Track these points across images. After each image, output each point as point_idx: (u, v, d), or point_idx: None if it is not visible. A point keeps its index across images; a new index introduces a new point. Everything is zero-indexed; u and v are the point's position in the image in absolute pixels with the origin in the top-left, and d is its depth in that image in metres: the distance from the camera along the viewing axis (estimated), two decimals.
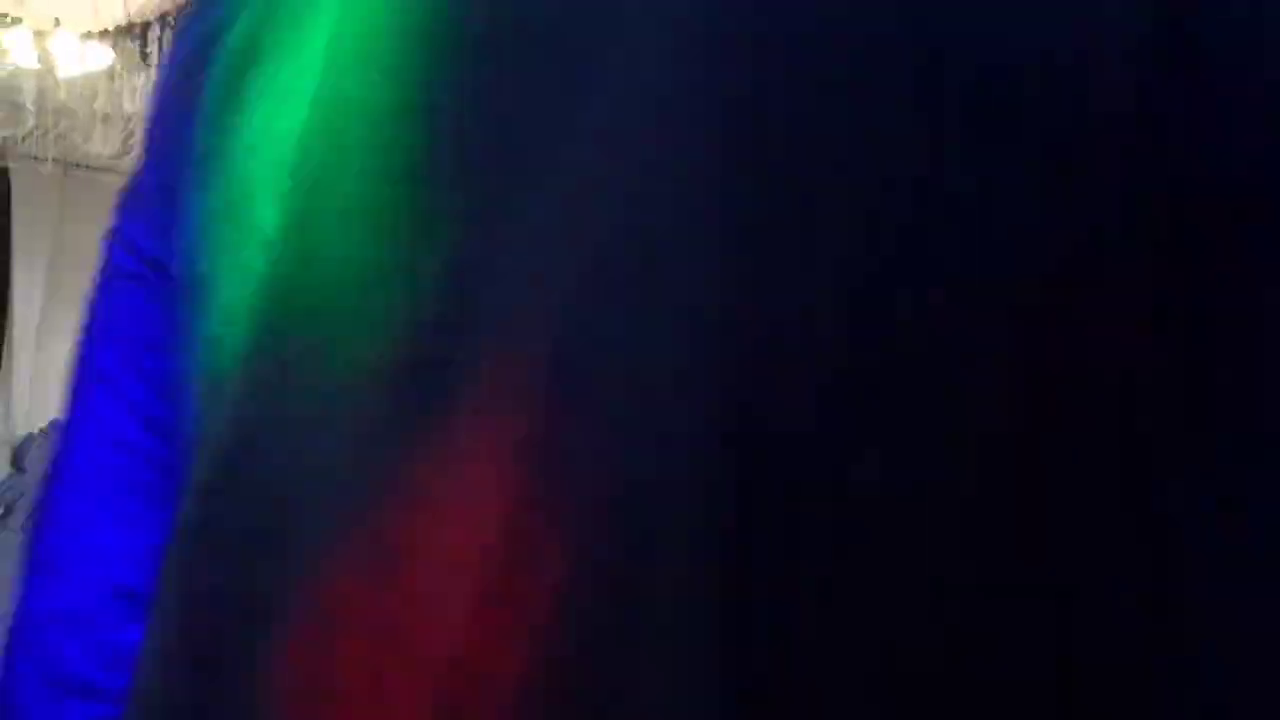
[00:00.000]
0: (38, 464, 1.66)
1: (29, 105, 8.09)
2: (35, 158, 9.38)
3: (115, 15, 7.16)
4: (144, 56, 8.12)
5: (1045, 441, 0.31)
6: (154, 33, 7.95)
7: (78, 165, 10.39)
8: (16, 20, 7.05)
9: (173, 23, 7.95)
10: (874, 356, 0.31)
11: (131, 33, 7.92)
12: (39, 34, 7.10)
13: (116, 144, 9.74)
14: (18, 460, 1.71)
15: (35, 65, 7.49)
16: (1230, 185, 0.29)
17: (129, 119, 9.45)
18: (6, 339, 10.59)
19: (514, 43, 0.38)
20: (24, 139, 9.13)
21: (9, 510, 1.48)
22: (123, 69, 7.92)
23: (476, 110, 0.38)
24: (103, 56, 7.62)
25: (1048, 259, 0.30)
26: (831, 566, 0.31)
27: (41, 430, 1.82)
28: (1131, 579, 0.30)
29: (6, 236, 10.61)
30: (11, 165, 10.08)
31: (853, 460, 0.31)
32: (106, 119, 9.28)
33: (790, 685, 0.30)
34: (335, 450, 0.37)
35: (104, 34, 7.43)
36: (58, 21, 6.97)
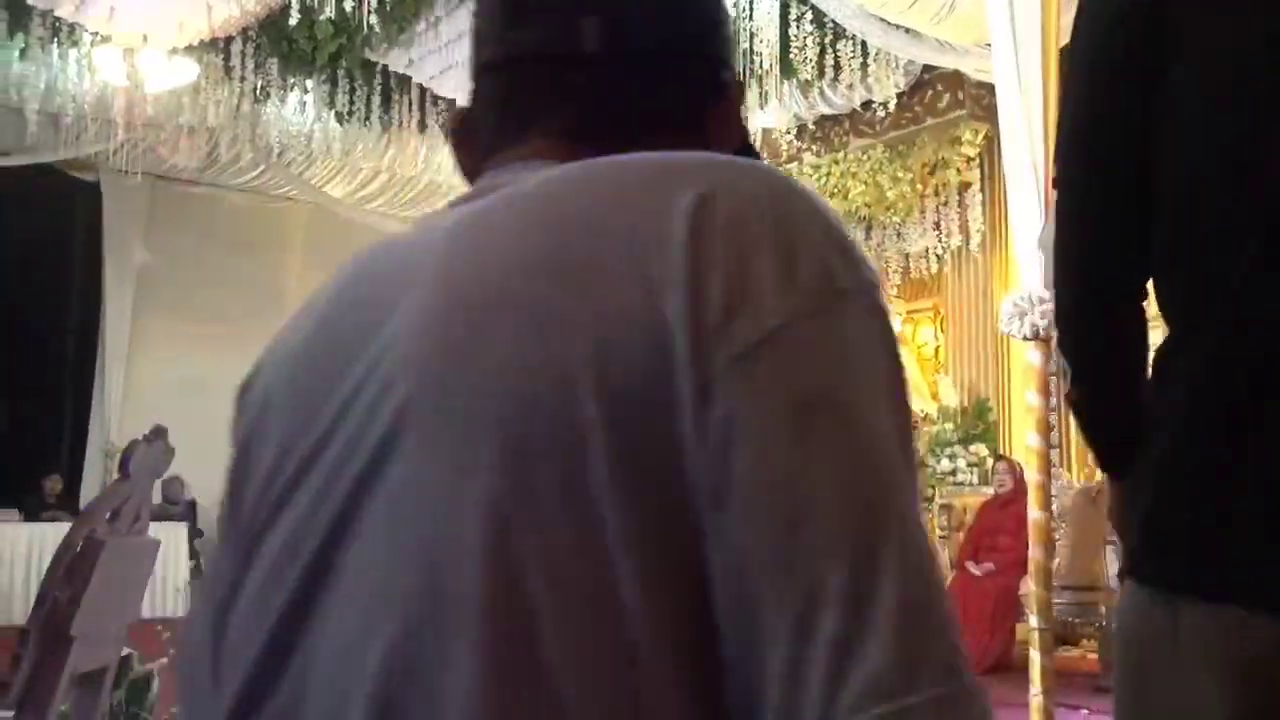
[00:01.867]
0: (143, 469, 1.71)
1: (119, 120, 8.34)
2: (124, 171, 9.68)
3: (200, 30, 7.34)
4: (227, 70, 8.34)
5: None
6: (236, 46, 8.16)
7: (164, 177, 10.73)
8: (106, 38, 7.27)
9: (254, 36, 8.16)
10: None
11: (215, 47, 8.14)
12: (127, 51, 7.32)
13: (201, 156, 10.02)
14: (123, 466, 1.78)
15: (124, 82, 7.73)
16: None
17: (213, 131, 9.72)
18: (100, 349, 10.93)
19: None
20: (114, 153, 9.43)
21: (116, 515, 1.54)
22: (207, 82, 8.15)
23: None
24: (188, 71, 7.85)
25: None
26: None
27: (145, 436, 1.89)
28: None
29: (98, 248, 10.96)
30: (103, 179, 10.42)
31: None
32: (192, 132, 9.54)
33: None
34: None
35: (189, 49, 7.63)
36: (145, 38, 7.17)
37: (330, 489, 0.61)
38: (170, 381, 10.70)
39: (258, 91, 8.32)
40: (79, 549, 1.68)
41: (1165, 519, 1.11)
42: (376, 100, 8.62)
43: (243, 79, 8.04)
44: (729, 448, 0.52)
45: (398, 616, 0.55)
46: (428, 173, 10.27)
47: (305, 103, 8.68)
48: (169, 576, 8.62)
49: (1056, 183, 1.26)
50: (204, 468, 10.62)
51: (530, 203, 0.62)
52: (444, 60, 8.09)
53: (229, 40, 7.86)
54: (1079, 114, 1.24)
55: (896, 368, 0.56)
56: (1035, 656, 2.95)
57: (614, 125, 0.69)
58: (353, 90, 8.48)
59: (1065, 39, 5.96)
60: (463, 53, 7.97)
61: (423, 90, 8.65)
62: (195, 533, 10.02)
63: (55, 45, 7.53)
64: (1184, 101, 1.12)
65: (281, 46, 7.99)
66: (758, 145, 5.36)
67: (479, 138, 0.74)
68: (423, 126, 9.01)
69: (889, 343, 0.56)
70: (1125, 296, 1.21)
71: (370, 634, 0.56)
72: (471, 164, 0.75)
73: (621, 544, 0.52)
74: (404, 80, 8.56)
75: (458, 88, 8.43)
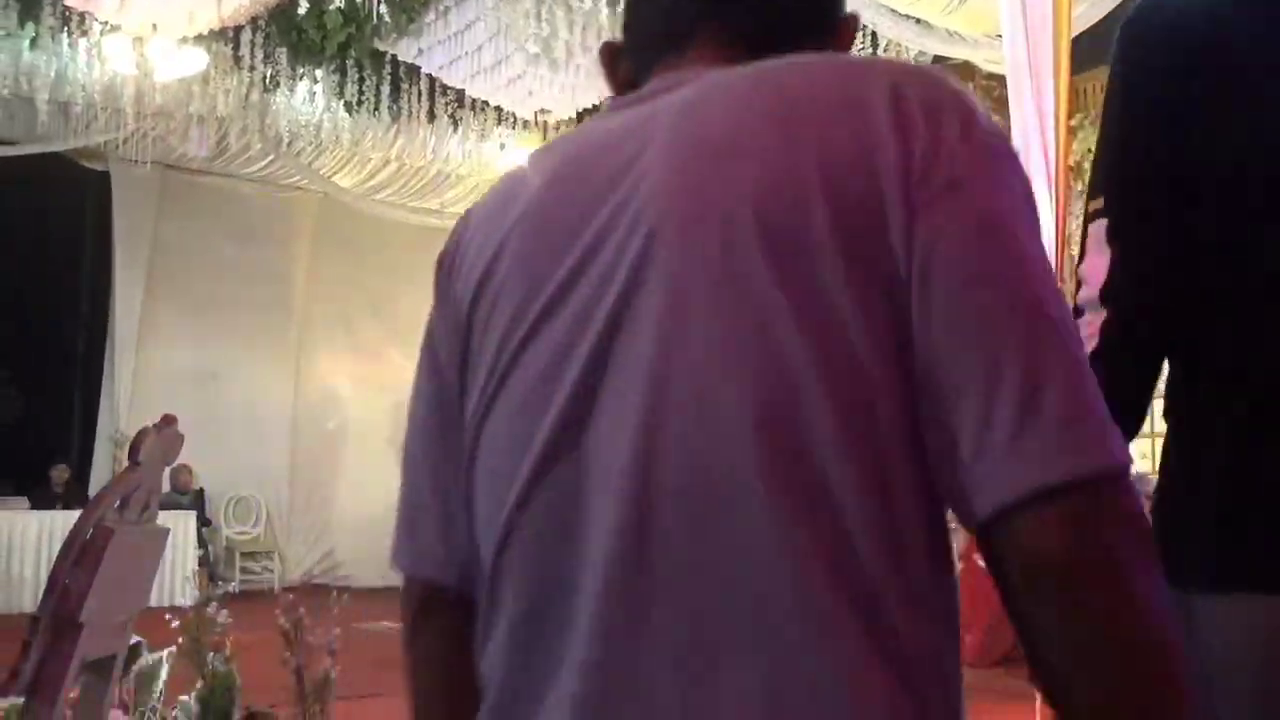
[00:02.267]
0: (153, 457, 1.71)
1: (128, 110, 8.35)
2: (134, 161, 9.69)
3: (209, 19, 7.34)
4: (236, 59, 8.34)
5: None
6: (246, 35, 8.15)
7: (173, 167, 10.74)
8: (115, 28, 7.27)
9: (263, 25, 8.15)
10: None
11: (225, 36, 8.13)
12: (137, 40, 7.32)
13: (211, 145, 10.02)
14: (133, 454, 1.78)
15: (134, 71, 7.73)
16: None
17: (222, 121, 9.72)
18: (109, 339, 10.95)
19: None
20: (123, 142, 9.44)
21: (125, 503, 1.54)
22: (216, 72, 8.14)
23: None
24: (197, 60, 7.84)
25: None
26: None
27: (154, 424, 1.89)
28: None
29: (108, 238, 10.98)
30: (112, 169, 10.44)
31: None
32: (201, 121, 9.54)
33: None
34: None
35: (198, 38, 7.62)
36: (155, 27, 7.17)
37: (591, 311, 0.74)
38: (179, 370, 10.72)
39: (267, 81, 8.32)
40: (89, 537, 1.69)
41: (1171, 518, 1.16)
42: (385, 90, 8.61)
43: (252, 68, 8.03)
44: (932, 252, 0.68)
45: (678, 407, 0.70)
46: (436, 162, 10.27)
47: (314, 92, 8.68)
48: (177, 565, 8.65)
49: (1113, 229, 1.21)
50: (212, 455, 10.66)
51: (743, 82, 0.77)
52: (453, 50, 8.08)
53: (238, 29, 7.86)
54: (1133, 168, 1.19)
55: (1037, 217, 0.75)
56: None
57: (769, 35, 0.82)
58: (362, 80, 8.47)
59: (1076, 30, 5.94)
60: (472, 42, 8.00)
61: (432, 80, 8.64)
62: (203, 521, 10.06)
63: (65, 34, 7.54)
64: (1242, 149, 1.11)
65: (291, 36, 7.99)
66: None
67: (641, 52, 0.88)
68: (431, 116, 9.00)
69: (1032, 198, 0.74)
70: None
71: (652, 425, 0.70)
72: (624, 78, 0.90)
73: (859, 325, 0.68)
74: (413, 70, 8.55)
75: (466, 77, 8.42)
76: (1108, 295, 1.17)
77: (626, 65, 0.90)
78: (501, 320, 0.79)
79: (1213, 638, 1.07)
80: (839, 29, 0.88)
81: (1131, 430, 1.15)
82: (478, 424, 0.79)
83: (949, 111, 0.73)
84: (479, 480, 0.80)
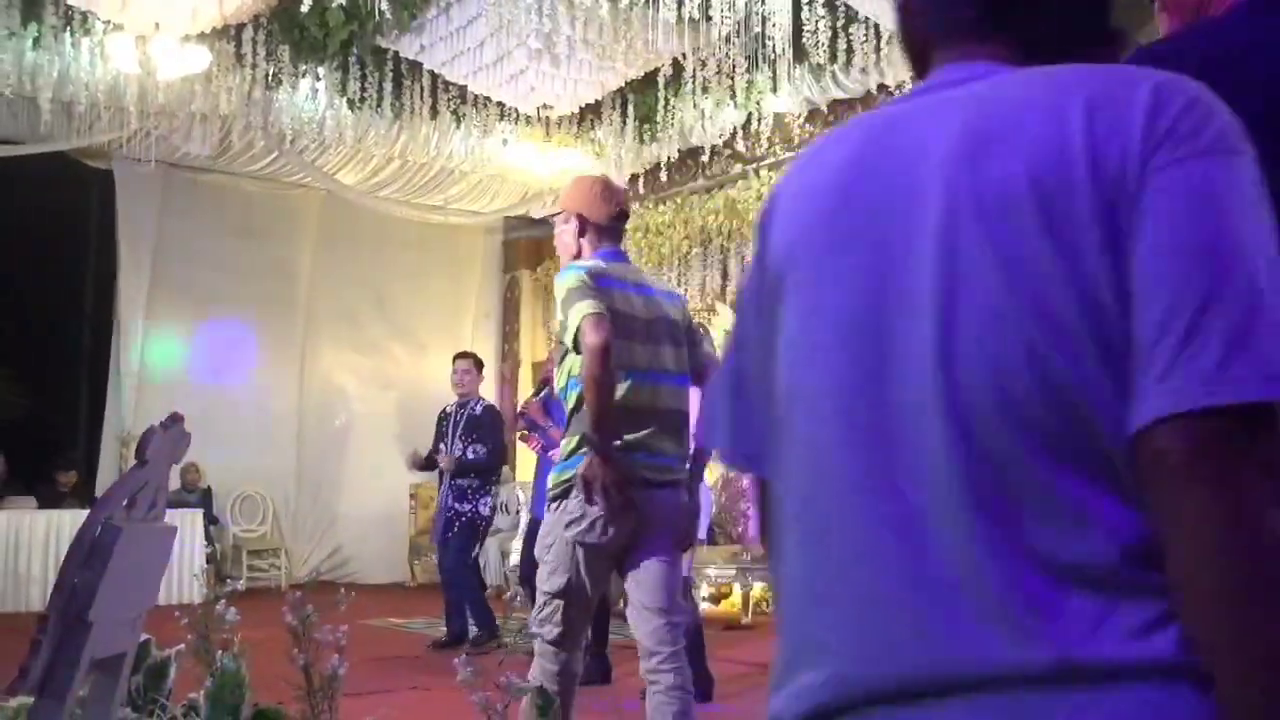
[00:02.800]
0: (159, 455, 1.72)
1: (131, 108, 8.36)
2: (138, 159, 9.70)
3: (211, 17, 7.35)
4: (239, 57, 8.34)
5: None
6: (248, 33, 8.15)
7: (176, 165, 10.76)
8: (118, 26, 7.28)
9: (265, 23, 8.16)
10: None
11: (227, 34, 8.14)
12: (140, 38, 7.33)
13: (214, 144, 10.03)
14: (140, 452, 1.78)
15: (136, 70, 7.74)
16: None
17: (225, 119, 9.73)
18: (114, 337, 10.96)
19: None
20: (127, 141, 9.45)
21: (133, 502, 1.54)
22: (219, 70, 8.15)
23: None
24: (200, 59, 7.85)
25: None
26: None
27: (161, 423, 1.89)
28: None
29: (112, 237, 10.99)
30: (115, 167, 10.46)
31: None
32: (204, 119, 9.55)
33: None
34: None
35: (200, 36, 7.64)
36: (157, 26, 7.18)
37: (892, 264, 0.94)
38: (184, 368, 10.74)
39: (269, 79, 8.33)
40: (96, 535, 1.69)
41: None
42: (388, 87, 8.62)
43: (254, 66, 8.04)
44: (1153, 213, 0.84)
45: (968, 342, 0.88)
46: (439, 159, 10.28)
47: (317, 90, 8.69)
48: (185, 563, 8.68)
49: None
50: (218, 454, 10.65)
51: (1027, 81, 0.95)
52: (455, 46, 8.09)
53: (240, 27, 7.86)
54: None
55: (1262, 207, 0.86)
56: None
57: (1049, 42, 1.01)
58: (364, 77, 8.48)
59: None
60: (474, 38, 8.00)
61: (434, 76, 8.65)
62: (210, 519, 10.08)
63: (68, 34, 7.55)
64: None
65: (293, 33, 8.00)
66: (770, 129, 5.31)
67: (934, 47, 1.08)
68: (434, 113, 9.01)
69: (1258, 188, 0.86)
70: None
71: (946, 354, 0.89)
72: (922, 42, 1.10)
73: (1108, 281, 0.84)
74: (415, 66, 8.55)
75: (469, 73, 8.43)
76: None
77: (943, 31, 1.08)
78: (811, 271, 1.01)
79: None
80: (1109, 42, 1.05)
81: None
82: (791, 352, 1.01)
83: (1192, 112, 0.87)
84: (798, 391, 1.00)
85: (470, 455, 7.04)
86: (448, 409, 7.26)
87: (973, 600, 0.84)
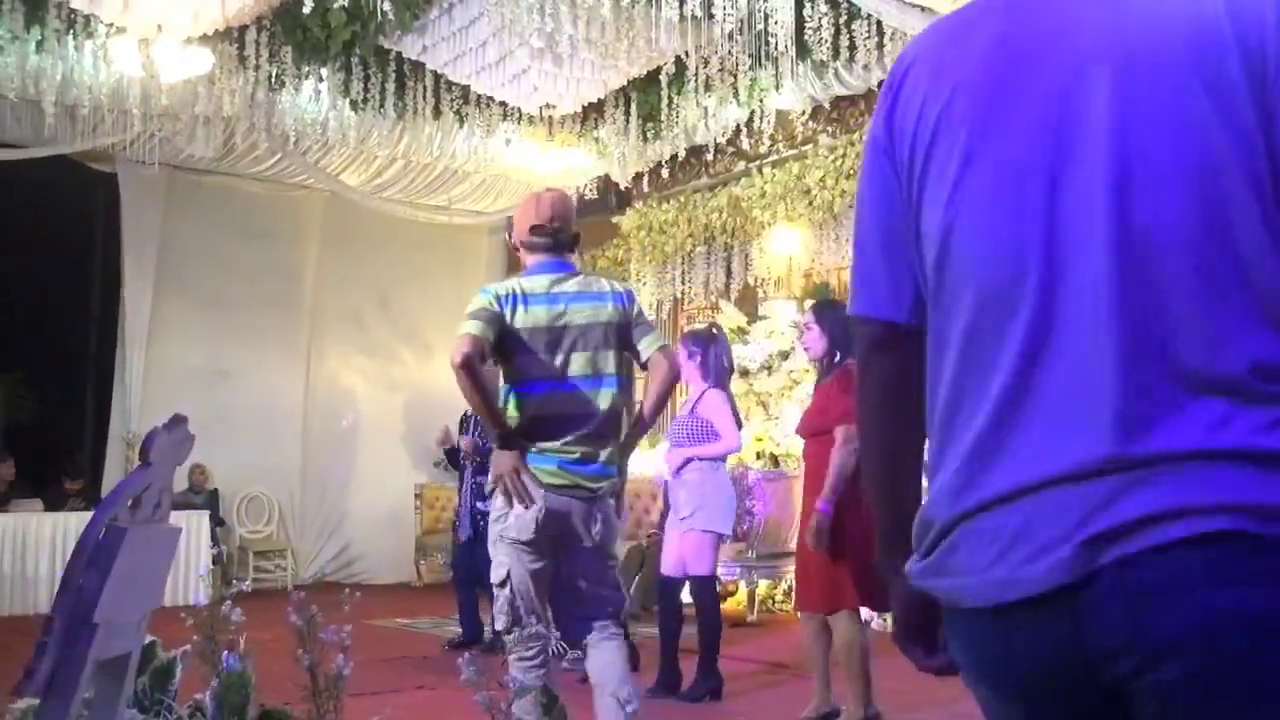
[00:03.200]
0: (163, 456, 1.73)
1: (135, 111, 8.37)
2: (142, 162, 9.72)
3: (214, 19, 7.36)
4: (242, 59, 8.35)
5: None
6: (250, 35, 8.16)
7: (180, 168, 10.77)
8: (121, 29, 7.29)
9: (268, 25, 8.17)
10: None
11: (230, 36, 8.15)
12: (143, 41, 7.33)
13: (218, 146, 10.04)
14: (144, 453, 1.79)
15: (139, 72, 7.75)
16: None
17: (229, 121, 9.73)
18: (119, 339, 10.97)
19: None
20: (131, 144, 9.46)
21: (138, 503, 1.55)
22: (222, 72, 8.16)
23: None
24: (203, 61, 7.86)
25: None
26: None
27: (164, 424, 1.90)
28: None
29: (116, 239, 11.00)
30: (119, 170, 10.48)
31: None
32: (207, 121, 9.55)
33: None
34: None
35: (203, 39, 7.64)
36: (160, 29, 7.18)
37: (1064, 110, 1.08)
38: (189, 369, 10.75)
39: (272, 80, 8.34)
40: (100, 537, 1.70)
41: None
42: (391, 87, 8.62)
43: (257, 68, 8.05)
44: None
45: (1144, 182, 1.05)
46: (442, 159, 10.28)
47: (320, 91, 8.69)
48: (191, 564, 8.69)
49: None
50: (224, 455, 10.65)
51: None
52: (457, 46, 8.09)
53: (243, 29, 7.87)
54: None
55: None
56: None
57: None
58: (367, 78, 8.49)
59: None
60: (476, 38, 8.00)
61: (437, 77, 8.65)
62: (216, 520, 10.09)
63: (71, 37, 7.55)
64: None
65: (295, 35, 8.00)
66: (773, 127, 5.44)
67: None
68: (437, 113, 9.01)
69: None
70: None
71: (1121, 188, 1.06)
72: None
73: (1258, 140, 1.02)
74: (418, 67, 8.56)
75: (471, 73, 8.44)
76: None
77: None
78: (967, 126, 1.14)
79: None
80: None
81: None
82: (947, 201, 1.15)
83: None
84: (960, 237, 1.15)
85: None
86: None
87: (1117, 403, 1.02)
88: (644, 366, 3.56)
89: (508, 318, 3.38)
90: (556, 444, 3.35)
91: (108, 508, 1.69)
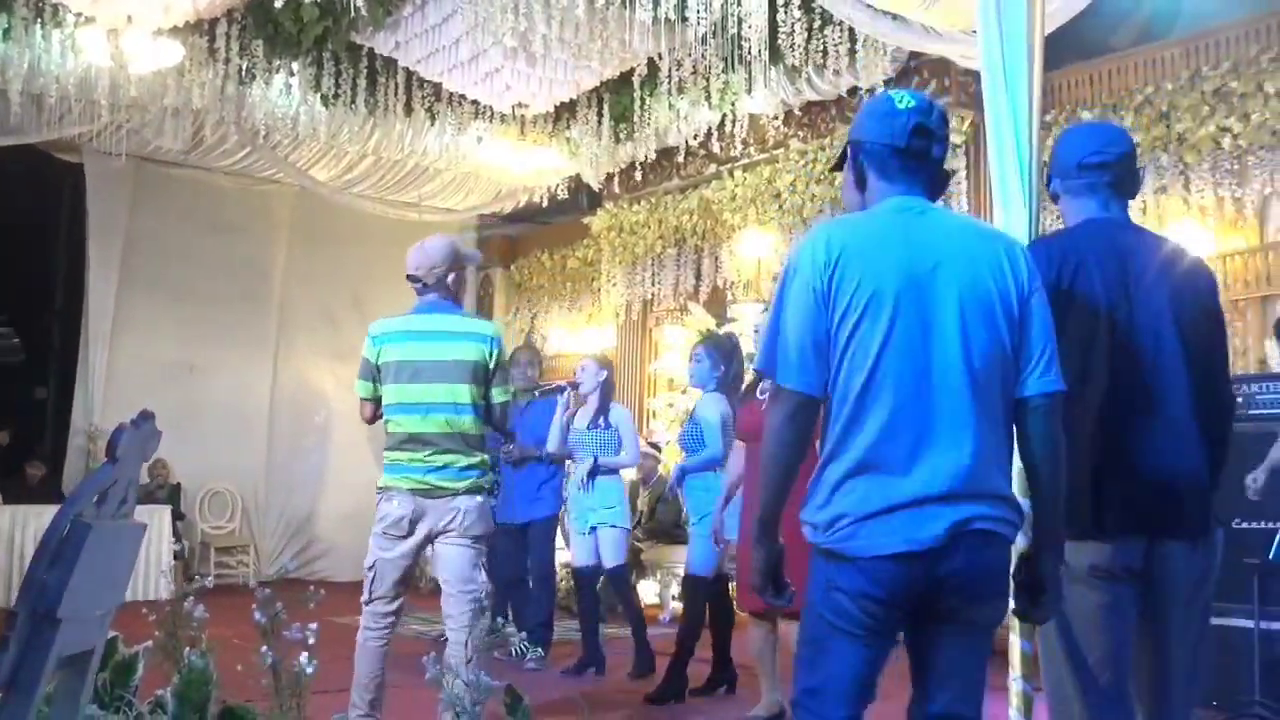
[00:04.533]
0: (130, 453, 1.73)
1: (103, 102, 8.29)
2: (109, 153, 9.64)
3: (185, 12, 7.29)
4: (212, 52, 8.28)
5: None
6: (221, 28, 8.09)
7: (148, 159, 10.70)
8: (90, 19, 7.22)
9: (239, 18, 8.10)
10: None
11: (200, 29, 8.08)
12: (112, 32, 7.26)
13: (186, 138, 9.96)
14: (111, 449, 1.79)
15: (108, 63, 7.67)
16: None
17: (198, 113, 9.66)
18: (83, 331, 10.87)
19: None
20: (98, 135, 9.37)
21: (103, 498, 1.54)
22: (192, 64, 8.09)
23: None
24: (172, 53, 7.79)
25: None
26: None
27: (132, 420, 1.90)
28: None
29: (82, 231, 10.89)
30: (86, 161, 10.38)
31: None
32: (176, 113, 9.47)
33: None
34: None
35: (174, 30, 7.58)
36: (130, 19, 7.12)
37: (931, 302, 2.18)
38: (154, 364, 10.66)
39: (243, 74, 8.28)
40: (65, 532, 1.69)
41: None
42: (362, 83, 8.58)
43: (227, 61, 7.99)
44: (1031, 310, 2.29)
45: (975, 352, 2.20)
46: (413, 156, 10.25)
47: (291, 85, 8.64)
48: (153, 559, 8.62)
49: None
50: (188, 450, 10.55)
51: (961, 217, 2.96)
52: (430, 44, 8.06)
53: (214, 22, 7.81)
54: None
55: None
56: (1015, 640, 2.99)
57: (935, 195, 2.44)
58: (338, 73, 8.44)
59: (1049, 28, 5.96)
60: (449, 36, 7.98)
61: (409, 74, 8.62)
62: (177, 515, 10.02)
63: (39, 26, 7.47)
64: None
65: (267, 29, 7.95)
66: (744, 130, 5.89)
67: (893, 182, 2.35)
68: (408, 110, 8.98)
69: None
70: None
71: (966, 347, 2.20)
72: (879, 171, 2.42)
73: (1015, 341, 2.26)
74: (390, 63, 8.53)
75: (444, 71, 8.41)
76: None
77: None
78: (866, 298, 2.15)
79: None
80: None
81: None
82: (881, 342, 2.15)
83: (1032, 264, 2.32)
84: (887, 363, 2.15)
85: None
86: None
87: (970, 457, 2.14)
88: (489, 412, 4.25)
89: (374, 358, 4.28)
90: (416, 456, 4.12)
91: (73, 503, 1.69)
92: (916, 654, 2.23)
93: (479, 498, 4.17)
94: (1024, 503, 2.28)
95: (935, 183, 2.32)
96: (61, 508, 1.68)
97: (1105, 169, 2.67)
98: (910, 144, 2.25)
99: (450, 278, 4.30)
